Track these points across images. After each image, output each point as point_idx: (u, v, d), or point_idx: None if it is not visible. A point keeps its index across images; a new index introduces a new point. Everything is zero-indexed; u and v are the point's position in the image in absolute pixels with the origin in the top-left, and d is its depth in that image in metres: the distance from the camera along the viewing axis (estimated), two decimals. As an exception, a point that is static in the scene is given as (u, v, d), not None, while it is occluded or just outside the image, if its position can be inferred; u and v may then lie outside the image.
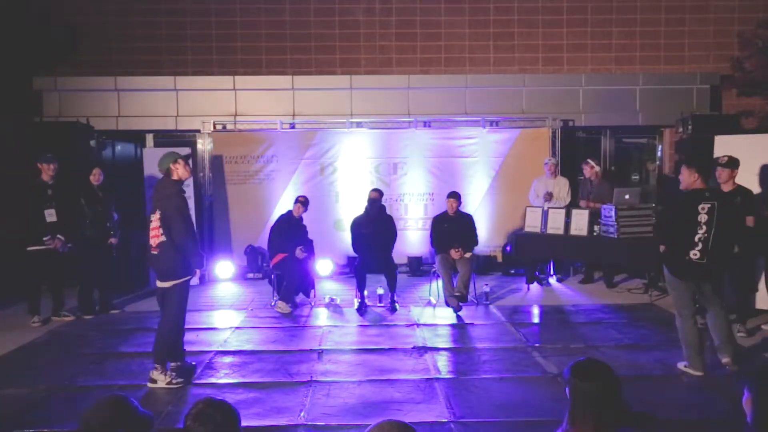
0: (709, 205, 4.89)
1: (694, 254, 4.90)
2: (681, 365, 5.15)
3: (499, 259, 9.53)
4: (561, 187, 8.57)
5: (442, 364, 5.48)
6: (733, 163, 5.97)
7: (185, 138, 9.77)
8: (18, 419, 4.30)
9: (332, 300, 7.74)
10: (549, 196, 8.48)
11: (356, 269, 7.62)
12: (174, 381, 4.95)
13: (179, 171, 4.98)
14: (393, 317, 7.09)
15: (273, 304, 7.46)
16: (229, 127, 9.70)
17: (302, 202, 7.70)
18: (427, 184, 9.62)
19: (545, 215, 8.23)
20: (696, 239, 4.89)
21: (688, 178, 5.01)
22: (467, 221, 7.74)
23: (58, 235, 6.81)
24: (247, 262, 9.31)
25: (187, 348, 5.83)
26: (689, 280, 5.01)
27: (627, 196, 7.73)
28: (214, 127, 9.56)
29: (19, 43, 8.99)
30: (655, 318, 6.91)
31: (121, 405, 2.12)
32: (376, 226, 7.58)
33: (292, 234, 7.56)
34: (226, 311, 7.49)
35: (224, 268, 9.25)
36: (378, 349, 5.88)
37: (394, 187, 9.56)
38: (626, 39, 10.13)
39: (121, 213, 7.51)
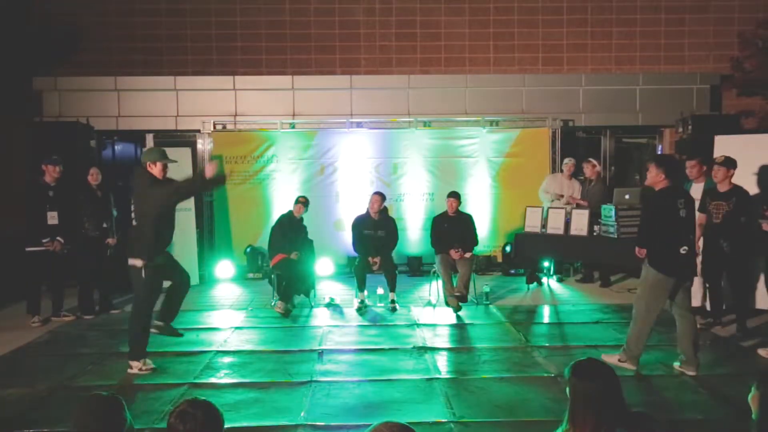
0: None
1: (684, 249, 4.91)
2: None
3: (499, 259, 9.53)
4: (575, 189, 8.61)
5: (442, 364, 5.47)
6: (729, 162, 5.95)
7: (185, 138, 9.77)
8: (18, 419, 4.30)
9: (332, 300, 7.74)
10: (559, 198, 8.51)
11: (356, 269, 7.61)
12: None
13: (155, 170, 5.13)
14: (393, 317, 7.08)
15: (273, 304, 7.45)
16: (229, 127, 9.70)
17: (303, 202, 7.71)
18: (427, 184, 9.61)
19: (545, 215, 8.24)
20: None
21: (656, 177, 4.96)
22: (467, 221, 7.74)
23: (58, 238, 6.81)
24: (247, 262, 9.31)
25: (187, 348, 5.86)
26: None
27: (627, 196, 7.72)
28: (214, 127, 9.55)
29: (19, 43, 8.98)
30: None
31: (116, 407, 2.20)
32: (377, 226, 7.59)
33: (292, 234, 7.56)
34: (226, 311, 7.48)
35: (224, 268, 9.25)
36: (378, 349, 5.88)
37: (394, 187, 9.56)
38: (626, 39, 10.13)
39: (120, 213, 7.50)
